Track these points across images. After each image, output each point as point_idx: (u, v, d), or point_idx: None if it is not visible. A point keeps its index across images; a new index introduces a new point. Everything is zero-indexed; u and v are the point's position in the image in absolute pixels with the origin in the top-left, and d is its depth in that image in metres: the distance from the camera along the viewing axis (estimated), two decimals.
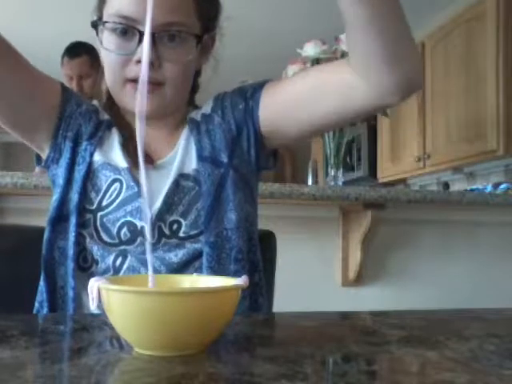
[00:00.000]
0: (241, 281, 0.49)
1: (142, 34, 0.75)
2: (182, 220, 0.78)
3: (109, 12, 0.77)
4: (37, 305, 0.81)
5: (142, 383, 0.37)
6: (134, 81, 0.77)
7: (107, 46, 0.78)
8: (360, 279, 1.78)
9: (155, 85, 0.78)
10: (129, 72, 0.77)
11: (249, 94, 0.85)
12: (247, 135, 0.84)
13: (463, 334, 0.56)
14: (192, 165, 0.82)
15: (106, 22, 0.78)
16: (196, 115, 0.88)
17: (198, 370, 0.40)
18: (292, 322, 0.63)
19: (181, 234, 0.78)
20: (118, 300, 0.44)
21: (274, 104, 0.83)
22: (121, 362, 0.43)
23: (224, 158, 0.82)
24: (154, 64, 0.76)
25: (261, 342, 0.52)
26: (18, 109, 0.80)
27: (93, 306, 0.45)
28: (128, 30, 0.76)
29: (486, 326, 0.63)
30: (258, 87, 0.85)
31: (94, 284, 0.45)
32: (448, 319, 0.68)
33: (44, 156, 0.85)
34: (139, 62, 0.75)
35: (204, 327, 0.45)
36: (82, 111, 0.85)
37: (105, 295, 0.45)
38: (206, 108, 0.89)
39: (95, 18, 0.81)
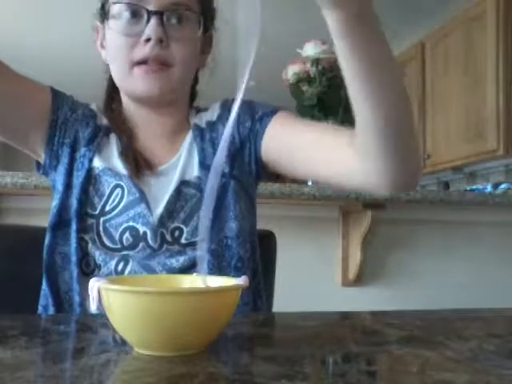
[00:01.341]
0: (241, 281, 0.49)
1: (149, 13, 0.75)
2: (183, 227, 0.78)
3: None
4: (40, 308, 0.81)
5: (141, 383, 0.37)
6: (141, 63, 0.77)
7: (115, 29, 0.78)
8: (360, 279, 1.78)
9: (163, 65, 0.77)
10: (137, 53, 0.77)
11: (258, 116, 0.84)
12: (249, 151, 0.85)
13: (463, 334, 0.56)
14: (194, 172, 0.82)
15: (114, 2, 0.78)
16: (200, 121, 0.88)
17: (198, 369, 0.40)
18: (292, 322, 0.63)
19: (182, 241, 0.78)
20: (118, 300, 0.44)
21: (277, 142, 0.82)
22: (121, 362, 0.43)
23: (225, 168, 0.82)
24: (162, 42, 0.76)
25: (261, 342, 0.52)
26: (5, 117, 0.79)
27: (93, 307, 0.45)
28: (136, 10, 0.77)
29: (486, 326, 0.63)
30: (269, 113, 0.84)
31: (94, 284, 0.45)
32: (448, 319, 0.68)
33: (41, 160, 0.84)
34: (148, 40, 0.76)
35: (204, 327, 0.45)
36: (78, 117, 0.84)
37: (105, 295, 0.45)
38: (212, 114, 0.88)
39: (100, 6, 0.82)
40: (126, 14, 0.77)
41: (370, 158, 0.68)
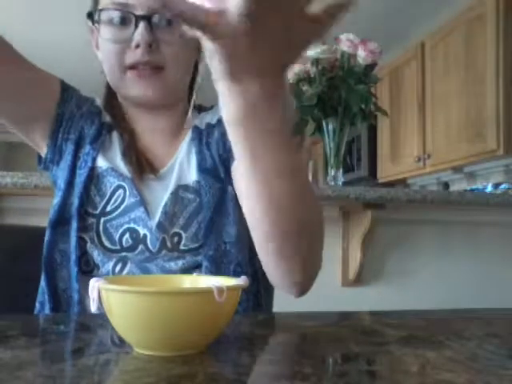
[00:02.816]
0: (241, 281, 0.49)
1: (137, 19, 0.75)
2: (182, 232, 0.78)
3: (104, 2, 0.77)
4: (37, 305, 0.81)
5: (142, 383, 0.37)
6: (134, 67, 0.76)
7: (104, 36, 0.78)
8: (360, 279, 1.78)
9: (155, 69, 0.77)
10: (127, 58, 0.76)
11: None
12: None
13: (463, 334, 0.56)
14: (192, 176, 0.81)
15: (102, 9, 0.77)
16: (201, 122, 0.87)
17: (198, 369, 0.40)
18: (292, 322, 0.63)
19: (181, 247, 0.78)
20: (117, 300, 0.44)
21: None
22: (121, 362, 0.43)
23: (222, 173, 0.80)
24: (152, 46, 0.75)
25: (261, 342, 0.52)
26: (12, 105, 0.79)
27: (93, 307, 0.45)
28: (124, 17, 0.76)
29: (486, 326, 0.63)
30: None
31: (94, 284, 0.45)
32: (448, 319, 0.68)
33: (42, 154, 0.84)
34: (137, 46, 0.75)
35: (204, 327, 0.45)
36: (84, 113, 0.84)
37: (105, 295, 0.45)
38: (213, 116, 0.87)
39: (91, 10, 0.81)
40: (115, 21, 0.77)
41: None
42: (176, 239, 0.78)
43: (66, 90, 0.84)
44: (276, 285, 0.68)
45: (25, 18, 3.56)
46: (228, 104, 0.47)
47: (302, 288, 0.67)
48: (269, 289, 0.94)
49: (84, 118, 0.83)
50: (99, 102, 0.88)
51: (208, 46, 0.42)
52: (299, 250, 0.60)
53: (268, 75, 0.45)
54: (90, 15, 0.80)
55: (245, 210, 0.61)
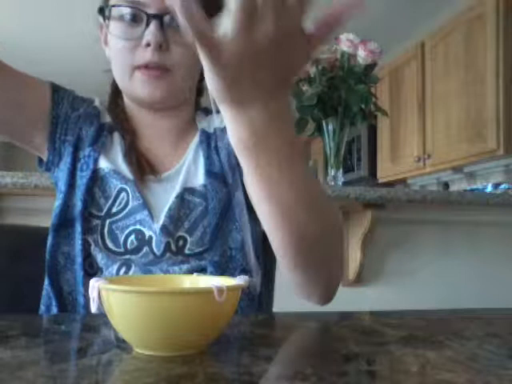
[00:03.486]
0: (241, 280, 0.49)
1: (149, 17, 0.74)
2: (187, 236, 0.77)
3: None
4: (43, 307, 0.80)
5: (142, 383, 0.37)
6: (143, 67, 0.76)
7: (114, 32, 0.77)
8: (360, 279, 1.78)
9: (163, 70, 0.76)
10: (137, 57, 0.76)
11: None
12: None
13: (463, 334, 0.56)
14: (199, 180, 0.80)
15: (113, 5, 0.77)
16: (208, 126, 0.86)
17: (198, 369, 0.40)
18: (292, 322, 0.63)
19: (186, 251, 0.77)
20: (117, 300, 0.44)
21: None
22: (121, 362, 0.43)
23: (229, 178, 0.80)
24: (162, 47, 0.75)
25: (261, 342, 0.52)
26: (6, 117, 0.78)
27: (93, 307, 0.45)
28: (135, 14, 0.76)
29: (486, 326, 0.63)
30: None
31: (94, 284, 0.45)
32: (448, 319, 0.68)
33: (44, 158, 0.84)
34: (148, 45, 0.75)
35: (204, 327, 0.45)
36: (81, 115, 0.83)
37: (105, 295, 0.45)
38: (222, 120, 0.86)
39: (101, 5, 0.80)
40: (126, 17, 0.76)
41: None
42: (181, 243, 0.77)
43: (56, 91, 0.83)
44: (297, 295, 0.67)
45: (23, 17, 3.56)
46: (231, 131, 0.46)
47: (324, 299, 0.66)
48: (269, 289, 0.94)
49: (82, 119, 0.82)
50: (98, 102, 0.88)
51: (208, 71, 0.42)
52: (313, 262, 0.59)
53: (270, 99, 0.44)
54: (101, 10, 0.79)
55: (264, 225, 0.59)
